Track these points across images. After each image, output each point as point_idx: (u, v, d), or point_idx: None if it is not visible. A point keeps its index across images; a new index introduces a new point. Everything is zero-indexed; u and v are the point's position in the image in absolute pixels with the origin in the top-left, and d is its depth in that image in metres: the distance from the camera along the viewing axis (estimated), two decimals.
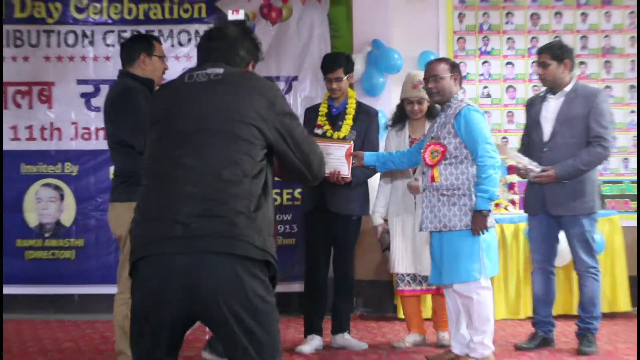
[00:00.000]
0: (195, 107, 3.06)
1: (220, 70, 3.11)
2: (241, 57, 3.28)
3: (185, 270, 2.83)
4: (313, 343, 6.35)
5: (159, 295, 2.89)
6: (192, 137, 3.01)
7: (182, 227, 2.85)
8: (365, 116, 6.52)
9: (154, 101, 3.31)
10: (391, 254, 6.46)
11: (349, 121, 6.37)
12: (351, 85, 6.91)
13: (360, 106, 6.59)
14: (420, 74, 6.28)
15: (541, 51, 6.35)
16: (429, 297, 6.78)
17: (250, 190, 2.94)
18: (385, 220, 6.62)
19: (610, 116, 6.25)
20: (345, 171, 6.09)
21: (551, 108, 6.24)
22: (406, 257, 6.34)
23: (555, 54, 6.18)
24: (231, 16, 7.48)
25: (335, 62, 6.54)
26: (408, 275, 6.37)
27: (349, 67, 6.55)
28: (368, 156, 6.07)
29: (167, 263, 2.87)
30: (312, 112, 6.50)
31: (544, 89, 6.45)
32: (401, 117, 6.51)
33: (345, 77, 6.45)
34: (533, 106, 6.44)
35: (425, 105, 6.35)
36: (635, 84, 8.31)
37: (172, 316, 2.89)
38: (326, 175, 5.85)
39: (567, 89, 6.20)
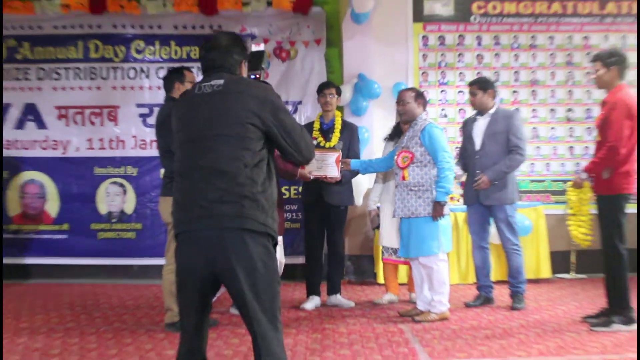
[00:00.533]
0: (203, 115, 3.09)
1: (221, 81, 3.12)
2: (235, 59, 3.25)
3: (208, 241, 2.96)
4: (313, 302, 6.57)
5: (191, 259, 3.01)
6: (202, 142, 3.07)
7: (204, 210, 2.97)
8: (349, 130, 6.73)
9: (174, 113, 3.31)
10: (381, 231, 6.68)
11: (337, 133, 6.59)
12: (339, 108, 6.97)
13: (344, 122, 6.81)
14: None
15: (471, 84, 6.63)
16: (406, 267, 6.78)
17: (252, 177, 3.00)
18: (377, 207, 6.83)
19: (523, 131, 6.53)
20: (335, 173, 6.29)
21: (480, 126, 6.48)
22: (391, 235, 6.49)
23: (481, 85, 6.43)
24: (254, 47, 7.68)
25: (330, 84, 6.89)
26: (391, 248, 6.52)
27: (338, 91, 6.81)
28: (354, 162, 6.29)
29: (195, 236, 3.00)
30: (308, 127, 6.58)
31: (474, 112, 6.68)
32: (397, 132, 6.65)
33: (335, 96, 6.67)
34: (466, 125, 6.69)
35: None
36: (555, 107, 8.51)
37: (201, 275, 2.99)
38: (320, 176, 6.21)
39: (491, 111, 6.47)
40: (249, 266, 2.91)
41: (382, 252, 6.77)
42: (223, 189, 2.95)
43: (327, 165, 6.32)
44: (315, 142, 6.42)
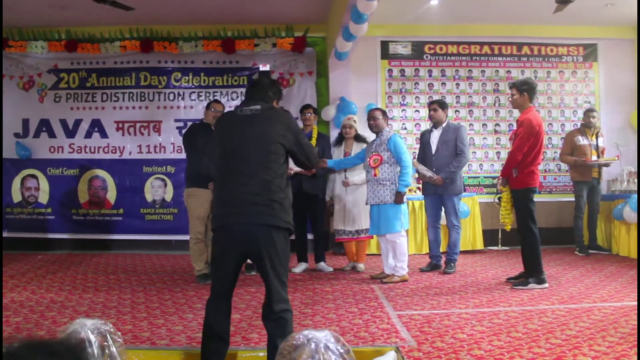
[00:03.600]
0: (243, 132, 3.05)
1: (258, 107, 3.11)
2: (270, 96, 3.22)
3: (242, 234, 2.95)
4: (301, 267, 6.48)
5: (226, 247, 3.00)
6: (241, 153, 3.02)
7: (240, 209, 2.95)
8: (323, 139, 6.65)
9: (218, 126, 3.25)
10: (334, 217, 6.54)
11: (314, 142, 6.42)
12: (325, 122, 6.90)
13: (319, 134, 6.69)
14: (351, 117, 6.68)
15: (432, 102, 6.61)
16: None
17: (279, 184, 3.00)
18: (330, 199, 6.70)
19: (466, 140, 6.44)
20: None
21: (435, 135, 6.43)
22: (340, 220, 6.39)
23: (440, 104, 6.42)
24: (262, 68, 7.65)
25: (309, 106, 6.84)
26: (340, 229, 6.40)
27: (315, 111, 6.80)
28: (329, 162, 6.04)
29: (231, 229, 2.98)
30: None
31: (430, 125, 6.64)
32: (340, 139, 6.62)
33: (313, 114, 6.62)
34: (424, 135, 6.64)
35: (353, 130, 6.47)
36: (486, 123, 8.47)
37: (234, 257, 2.99)
38: (299, 171, 6.10)
39: (444, 125, 6.41)
40: (273, 253, 2.93)
41: (335, 234, 6.55)
42: (257, 194, 2.93)
43: None
44: None
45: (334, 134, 7.70)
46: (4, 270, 6.52)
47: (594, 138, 7.52)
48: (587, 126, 7.58)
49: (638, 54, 8.52)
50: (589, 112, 7.61)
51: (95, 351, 1.93)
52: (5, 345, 0.77)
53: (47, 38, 8.47)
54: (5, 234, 8.35)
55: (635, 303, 4.54)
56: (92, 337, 2.18)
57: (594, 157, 7.44)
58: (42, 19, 8.13)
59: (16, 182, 8.46)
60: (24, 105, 8.46)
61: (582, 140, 7.48)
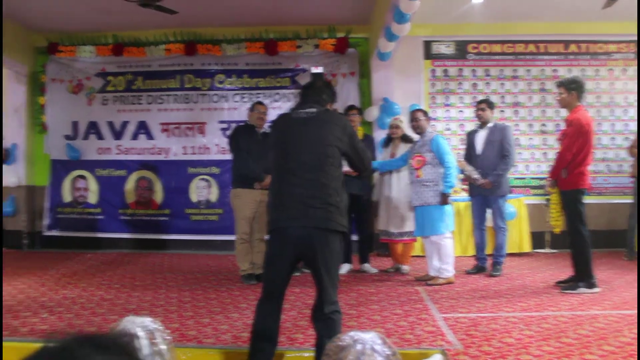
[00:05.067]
0: (298, 135, 3.06)
1: (314, 110, 3.10)
2: (324, 99, 3.22)
3: (297, 237, 2.96)
4: (345, 268, 6.37)
5: (281, 249, 3.01)
6: (297, 156, 3.02)
7: (296, 212, 2.95)
8: (368, 140, 6.64)
9: (273, 129, 3.27)
10: (378, 219, 6.43)
11: None
12: (369, 123, 6.89)
13: (365, 135, 6.77)
14: (398, 117, 6.63)
15: (480, 102, 6.42)
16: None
17: (336, 188, 3.00)
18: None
19: (513, 140, 6.32)
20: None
21: (481, 135, 6.32)
22: (384, 221, 6.30)
23: (488, 104, 6.30)
24: (314, 70, 7.65)
25: (354, 106, 6.82)
26: (385, 231, 6.32)
27: (360, 112, 6.79)
28: (375, 163, 6.00)
29: (287, 232, 2.98)
30: None
31: (476, 124, 6.51)
32: (388, 140, 6.55)
33: (357, 115, 6.54)
34: (470, 135, 6.52)
35: (400, 131, 6.38)
36: (532, 123, 8.30)
37: (289, 258, 3.01)
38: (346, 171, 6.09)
39: (490, 125, 6.29)
40: (327, 255, 2.94)
41: (379, 235, 6.53)
42: (314, 197, 2.94)
43: None
44: None
45: (377, 135, 7.67)
46: (57, 268, 6.75)
47: None
48: None
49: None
50: None
51: (145, 348, 1.96)
52: (57, 340, 0.80)
53: (95, 43, 8.67)
54: (56, 233, 8.65)
55: None
56: (142, 334, 2.22)
57: None
58: (90, 24, 8.35)
59: (66, 183, 8.69)
60: (74, 108, 8.68)
61: None
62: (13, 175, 8.62)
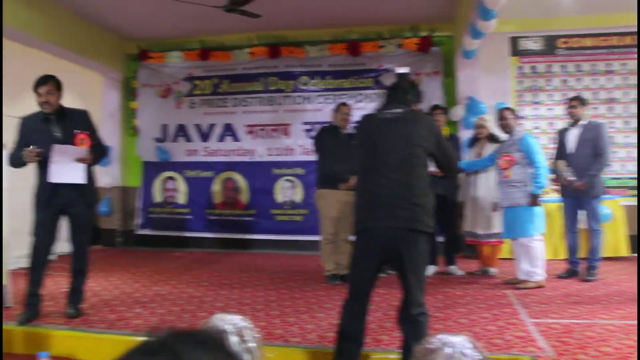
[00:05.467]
0: (384, 135, 3.04)
1: (399, 111, 3.08)
2: (409, 99, 3.18)
3: (384, 238, 2.94)
4: (431, 270, 6.24)
5: (368, 250, 3.01)
6: (383, 156, 3.01)
7: (383, 213, 2.94)
8: (453, 140, 6.50)
9: (360, 128, 3.25)
10: (465, 220, 6.32)
11: None
12: (453, 122, 6.79)
13: (450, 135, 6.72)
14: (484, 117, 6.51)
15: (572, 99, 6.16)
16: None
17: (422, 188, 2.98)
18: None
19: (608, 139, 6.02)
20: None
21: (573, 134, 6.05)
22: (472, 222, 6.18)
23: (581, 100, 6.03)
24: (399, 70, 7.60)
25: (439, 106, 6.68)
26: (472, 232, 6.20)
27: (445, 112, 6.66)
28: (462, 163, 5.90)
29: (373, 233, 2.98)
30: None
31: (568, 122, 6.24)
32: (475, 140, 6.42)
33: (442, 115, 6.44)
34: (562, 133, 6.23)
35: (486, 130, 6.25)
36: (629, 120, 7.88)
37: (375, 259, 3.00)
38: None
39: (583, 122, 6.02)
40: (413, 256, 2.92)
41: (466, 236, 6.35)
42: (401, 197, 2.93)
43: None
44: None
45: (463, 134, 7.51)
46: (148, 265, 7.05)
47: None
48: None
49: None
50: None
51: (235, 345, 2.00)
52: (154, 334, 0.82)
53: (183, 48, 8.99)
54: (147, 232, 9.03)
55: None
56: (232, 331, 2.27)
57: None
58: (178, 31, 8.66)
59: (157, 184, 9.06)
60: (163, 112, 9.04)
61: None
62: (108, 177, 9.08)
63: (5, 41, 6.64)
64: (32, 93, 4.28)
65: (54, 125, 4.29)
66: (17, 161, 4.27)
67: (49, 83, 4.25)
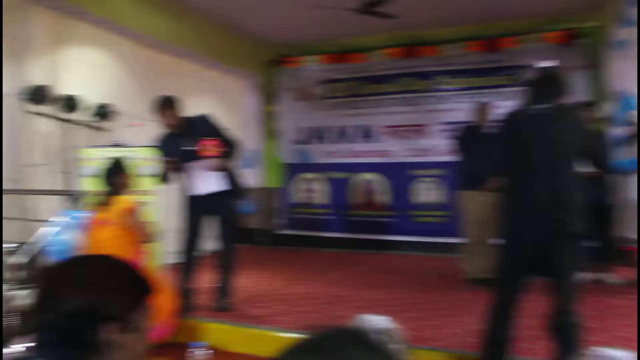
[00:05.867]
0: (533, 133, 2.96)
1: (547, 106, 2.98)
2: (555, 92, 3.04)
3: (534, 240, 2.90)
4: (584, 276, 5.80)
5: (517, 253, 2.97)
6: (533, 155, 2.93)
7: (532, 215, 2.89)
8: (602, 136, 5.94)
9: (506, 126, 3.17)
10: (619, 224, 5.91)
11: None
12: (602, 119, 6.52)
13: (598, 132, 6.03)
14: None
15: None
16: None
17: (573, 189, 2.88)
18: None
19: None
20: None
21: None
22: (626, 226, 5.79)
23: None
24: (543, 63, 7.30)
25: (586, 102, 6.19)
26: (627, 237, 5.78)
27: (592, 108, 6.12)
28: (613, 163, 5.55)
29: (522, 236, 2.94)
30: None
31: None
32: (628, 138, 5.97)
33: (589, 111, 6.01)
34: None
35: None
36: None
37: (525, 265, 2.95)
38: None
39: None
40: (564, 260, 2.85)
41: (620, 241, 5.97)
42: (551, 199, 2.85)
43: None
44: None
45: (614, 132, 7.03)
46: (290, 264, 7.32)
47: None
48: None
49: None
50: None
51: (386, 345, 2.05)
52: (317, 332, 0.84)
53: (319, 52, 9.21)
54: (288, 231, 9.35)
55: None
56: (380, 332, 2.33)
57: None
58: (314, 34, 8.86)
59: (297, 185, 9.38)
60: (302, 115, 9.32)
61: None
62: (253, 178, 9.51)
63: (160, 55, 7.29)
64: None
65: (180, 138, 4.67)
66: (161, 175, 4.80)
67: (163, 108, 4.67)
